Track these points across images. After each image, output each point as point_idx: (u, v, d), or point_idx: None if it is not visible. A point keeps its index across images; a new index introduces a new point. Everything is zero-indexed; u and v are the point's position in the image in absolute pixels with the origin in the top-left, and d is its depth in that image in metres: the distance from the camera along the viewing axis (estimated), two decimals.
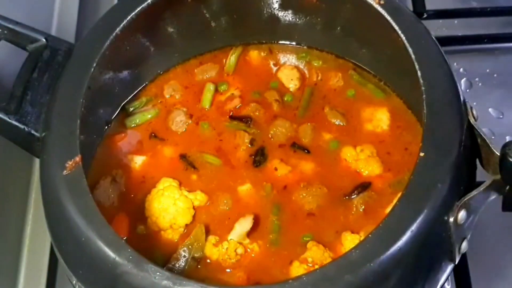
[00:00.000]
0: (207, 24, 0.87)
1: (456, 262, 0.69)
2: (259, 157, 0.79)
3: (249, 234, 0.74)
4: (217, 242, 0.74)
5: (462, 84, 0.97)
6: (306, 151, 0.79)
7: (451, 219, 0.65)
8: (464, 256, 0.79)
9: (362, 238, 0.71)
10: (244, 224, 0.74)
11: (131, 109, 0.84)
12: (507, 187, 0.67)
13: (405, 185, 0.65)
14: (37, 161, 0.77)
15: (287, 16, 0.86)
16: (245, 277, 0.72)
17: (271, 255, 0.73)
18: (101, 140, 0.81)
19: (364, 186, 0.76)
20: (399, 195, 0.65)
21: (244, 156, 0.80)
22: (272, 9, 0.86)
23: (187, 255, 0.73)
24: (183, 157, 0.80)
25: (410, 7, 1.00)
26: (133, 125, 0.83)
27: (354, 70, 0.85)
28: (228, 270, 0.73)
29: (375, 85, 0.84)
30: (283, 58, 0.88)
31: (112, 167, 0.80)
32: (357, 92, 0.84)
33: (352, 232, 0.73)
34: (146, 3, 0.78)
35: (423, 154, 0.66)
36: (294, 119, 0.82)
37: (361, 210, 0.75)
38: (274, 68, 0.87)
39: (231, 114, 0.83)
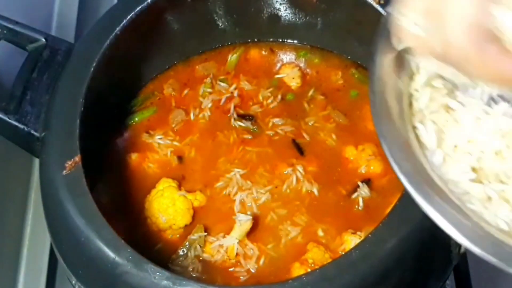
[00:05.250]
0: (207, 23, 0.86)
1: (456, 262, 0.69)
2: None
3: (248, 234, 0.74)
4: (217, 243, 0.74)
5: None
6: (304, 151, 0.79)
7: None
8: (464, 256, 0.79)
9: (362, 238, 0.71)
10: (243, 224, 0.74)
11: (130, 107, 0.84)
12: None
13: None
14: (37, 161, 0.77)
15: (287, 15, 0.86)
16: (245, 277, 0.72)
17: (271, 255, 0.73)
18: (101, 139, 0.81)
19: (364, 186, 0.76)
20: (399, 195, 0.65)
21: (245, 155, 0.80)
22: (272, 8, 0.86)
23: (187, 255, 0.73)
24: (183, 156, 0.80)
25: None
26: (132, 124, 0.83)
27: (355, 69, 0.85)
28: (228, 270, 0.73)
29: None
30: (284, 56, 0.88)
31: (111, 166, 0.80)
32: (358, 91, 0.84)
33: (352, 232, 0.73)
34: (146, 2, 0.78)
35: None
36: (295, 118, 0.82)
37: (361, 210, 0.75)
38: (276, 67, 0.87)
39: (231, 112, 0.83)
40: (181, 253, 0.73)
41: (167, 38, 0.85)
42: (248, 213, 0.75)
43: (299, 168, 0.78)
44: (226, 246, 0.73)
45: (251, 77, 0.86)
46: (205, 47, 0.88)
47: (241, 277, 0.72)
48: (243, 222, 0.74)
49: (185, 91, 0.85)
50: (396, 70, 0.58)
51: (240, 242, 0.73)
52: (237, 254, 0.73)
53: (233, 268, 0.73)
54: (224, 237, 0.74)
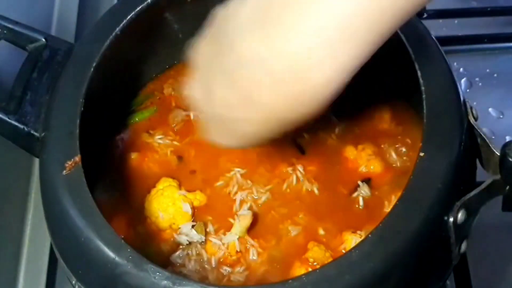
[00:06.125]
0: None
1: (456, 262, 0.69)
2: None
3: (249, 233, 0.74)
4: (218, 240, 0.74)
5: (462, 84, 0.97)
6: (305, 150, 0.79)
7: (451, 219, 0.65)
8: (464, 256, 0.79)
9: (362, 237, 0.71)
10: (243, 221, 0.74)
11: (130, 107, 0.85)
12: (507, 187, 0.67)
13: (405, 185, 0.65)
14: (37, 161, 0.77)
15: None
16: (245, 276, 0.72)
17: (271, 254, 0.73)
18: (101, 139, 0.81)
19: (364, 185, 0.76)
20: (399, 195, 0.65)
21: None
22: None
23: (187, 255, 0.73)
24: (183, 156, 0.80)
25: None
26: (132, 124, 0.83)
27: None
28: (229, 268, 0.73)
29: (376, 83, 0.84)
30: None
31: (111, 166, 0.80)
32: (358, 91, 0.84)
33: (353, 232, 0.73)
34: (146, 2, 0.78)
35: (423, 154, 0.66)
36: None
37: (361, 209, 0.75)
38: None
39: None
40: (181, 252, 0.73)
41: (167, 38, 0.85)
42: (249, 210, 0.75)
43: (299, 167, 0.78)
44: (227, 243, 0.73)
45: None
46: None
47: (241, 276, 0.72)
48: (242, 217, 0.74)
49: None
50: None
51: (240, 239, 0.73)
52: (237, 251, 0.73)
53: (234, 265, 0.73)
54: (224, 234, 0.74)
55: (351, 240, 0.72)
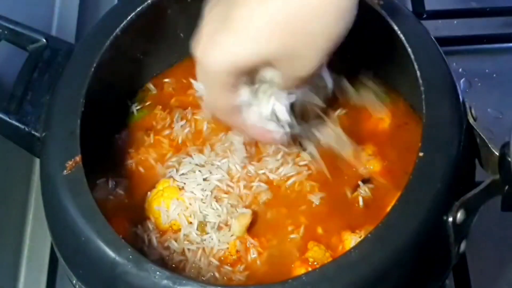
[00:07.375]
0: None
1: (455, 262, 0.69)
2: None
3: (249, 233, 0.74)
4: (218, 239, 0.74)
5: (461, 84, 0.97)
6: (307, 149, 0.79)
7: (450, 219, 0.65)
8: (463, 256, 0.79)
9: (362, 237, 0.71)
10: (243, 220, 0.74)
11: (130, 107, 0.85)
12: (506, 187, 0.67)
13: (404, 185, 0.65)
14: (37, 161, 0.77)
15: None
16: (245, 276, 0.72)
17: (271, 254, 0.74)
18: (101, 139, 0.81)
19: (364, 185, 0.76)
20: (398, 195, 0.65)
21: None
22: None
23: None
24: (182, 156, 0.80)
25: (410, 7, 1.00)
26: (132, 123, 0.84)
27: (355, 69, 0.85)
28: (229, 267, 0.73)
29: (376, 84, 0.84)
30: None
31: (112, 166, 0.80)
32: (358, 91, 0.84)
33: (352, 231, 0.73)
34: (146, 3, 0.79)
35: (422, 154, 0.66)
36: (296, 118, 0.82)
37: (361, 209, 0.75)
38: None
39: None
40: (181, 252, 0.73)
41: (167, 38, 0.85)
42: (249, 209, 0.75)
43: (299, 167, 0.78)
44: (227, 242, 0.73)
45: None
46: None
47: (241, 276, 0.72)
48: (242, 216, 0.74)
49: (186, 90, 0.85)
50: None
51: (241, 238, 0.73)
52: (237, 251, 0.73)
53: (234, 264, 0.73)
54: (224, 234, 0.74)
55: (351, 240, 0.72)
